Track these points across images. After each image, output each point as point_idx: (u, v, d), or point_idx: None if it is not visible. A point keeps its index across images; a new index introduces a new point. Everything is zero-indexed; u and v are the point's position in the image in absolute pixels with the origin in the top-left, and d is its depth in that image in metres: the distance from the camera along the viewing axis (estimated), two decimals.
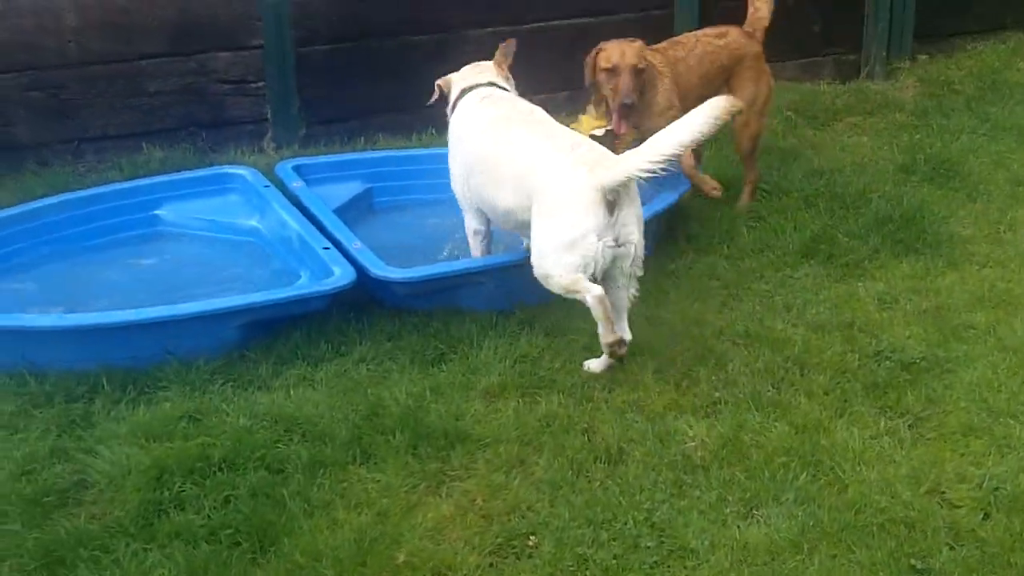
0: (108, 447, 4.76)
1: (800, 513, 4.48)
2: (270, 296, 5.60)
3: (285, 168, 6.88)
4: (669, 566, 4.27)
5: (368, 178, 7.05)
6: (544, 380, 5.32)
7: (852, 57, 9.23)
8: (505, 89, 5.96)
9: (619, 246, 5.24)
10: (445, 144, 6.11)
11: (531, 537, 4.39)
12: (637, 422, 5.02)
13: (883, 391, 5.26)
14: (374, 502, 4.55)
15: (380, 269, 5.72)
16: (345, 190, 6.88)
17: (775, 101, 7.45)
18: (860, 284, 6.21)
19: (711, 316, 5.86)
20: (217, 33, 7.47)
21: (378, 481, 4.65)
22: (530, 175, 5.42)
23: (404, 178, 7.03)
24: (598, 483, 4.65)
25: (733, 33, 6.87)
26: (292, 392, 5.19)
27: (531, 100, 5.97)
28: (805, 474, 4.68)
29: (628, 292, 5.40)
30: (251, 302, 5.53)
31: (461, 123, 5.89)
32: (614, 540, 4.36)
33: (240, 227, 6.64)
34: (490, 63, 6.06)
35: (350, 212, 6.64)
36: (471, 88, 5.93)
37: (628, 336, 5.40)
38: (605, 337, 5.27)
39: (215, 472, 4.63)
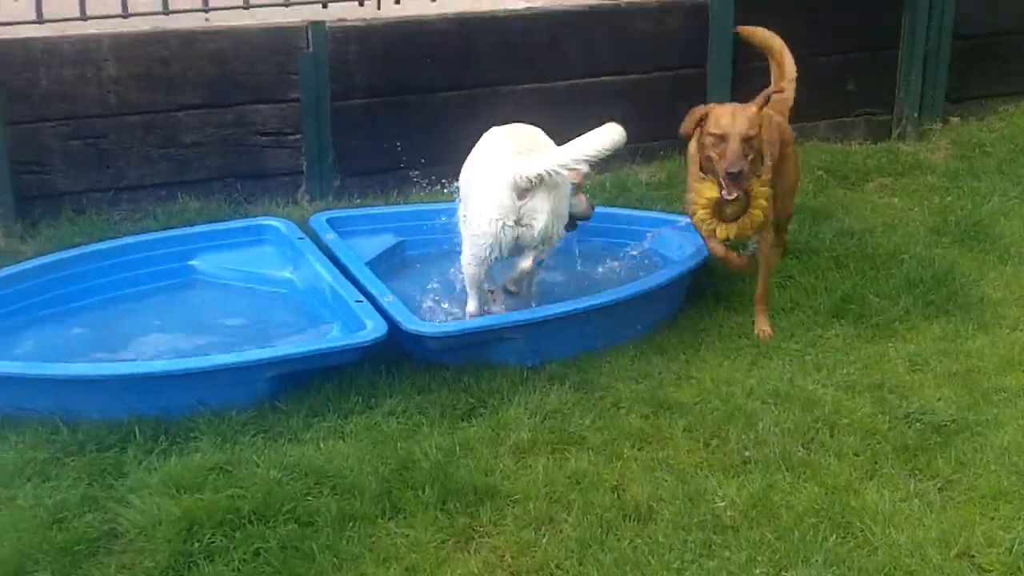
0: (139, 497, 4.78)
1: (830, 575, 4.46)
2: (302, 348, 5.63)
3: (319, 220, 6.92)
4: None
5: (400, 231, 7.08)
6: (574, 436, 5.32)
7: (884, 118, 9.23)
8: None
9: (521, 227, 5.79)
10: None
11: None
12: (667, 480, 5.02)
13: (913, 453, 5.25)
14: (403, 557, 4.55)
15: (412, 323, 5.75)
16: (378, 243, 6.92)
17: (807, 159, 7.44)
18: (890, 345, 6.20)
19: (741, 375, 5.86)
20: (255, 86, 7.53)
21: (407, 536, 4.66)
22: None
23: (436, 231, 7.07)
24: (627, 542, 4.64)
25: (776, 115, 6.58)
26: (322, 444, 5.20)
27: None
28: (835, 536, 4.67)
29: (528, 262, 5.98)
30: (283, 354, 5.55)
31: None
32: None
33: (274, 278, 6.69)
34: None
35: (382, 265, 6.68)
36: None
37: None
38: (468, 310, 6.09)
39: (245, 524, 4.63)
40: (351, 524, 4.70)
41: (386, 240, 6.99)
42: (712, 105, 6.17)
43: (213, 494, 4.78)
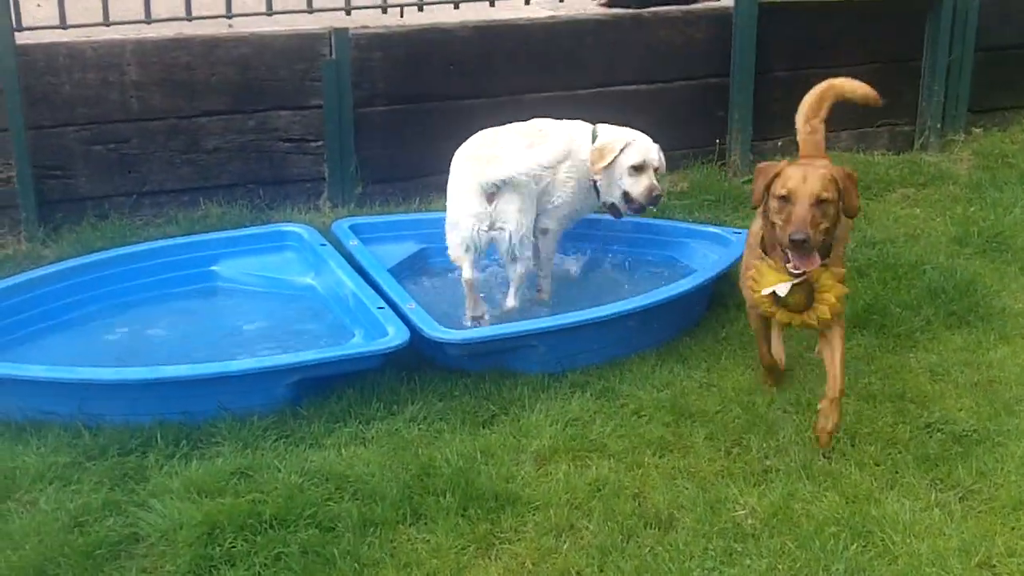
0: (160, 501, 4.79)
1: None
2: (324, 354, 5.63)
3: (341, 227, 6.95)
4: None
5: (423, 238, 7.09)
6: (595, 444, 5.32)
7: (907, 128, 9.23)
8: None
9: (493, 231, 6.14)
10: None
11: None
12: (687, 488, 5.02)
13: (934, 463, 5.23)
14: (424, 563, 4.55)
15: (434, 330, 5.76)
16: (400, 250, 6.95)
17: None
18: (912, 355, 6.19)
19: (763, 383, 5.86)
20: (278, 92, 7.56)
21: (428, 542, 4.66)
22: None
23: None
24: (648, 549, 4.64)
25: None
26: (344, 450, 5.22)
27: None
28: (855, 545, 4.66)
29: (512, 270, 6.28)
30: (305, 360, 5.56)
31: None
32: None
33: (296, 284, 6.71)
34: None
35: (404, 272, 6.69)
36: None
37: (511, 304, 6.33)
38: (468, 311, 6.23)
39: (266, 529, 4.65)
40: (372, 530, 4.71)
41: (408, 247, 7.02)
42: (783, 165, 5.28)
43: (234, 499, 4.80)
